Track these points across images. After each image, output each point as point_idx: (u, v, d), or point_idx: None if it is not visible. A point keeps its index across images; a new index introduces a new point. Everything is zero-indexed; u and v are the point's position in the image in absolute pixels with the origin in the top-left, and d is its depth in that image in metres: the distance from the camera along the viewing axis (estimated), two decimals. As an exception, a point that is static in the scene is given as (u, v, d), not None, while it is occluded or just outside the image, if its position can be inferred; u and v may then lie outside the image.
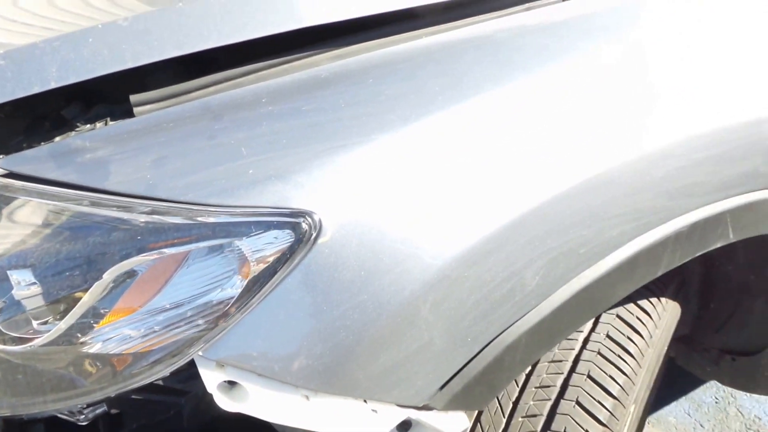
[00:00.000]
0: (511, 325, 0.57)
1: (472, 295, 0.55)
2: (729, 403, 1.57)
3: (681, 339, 1.27)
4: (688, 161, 0.61)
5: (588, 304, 0.61)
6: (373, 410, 0.56)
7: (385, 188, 0.55)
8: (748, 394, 1.59)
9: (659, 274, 0.65)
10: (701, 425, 1.52)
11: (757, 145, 0.65)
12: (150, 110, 0.60)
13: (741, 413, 1.54)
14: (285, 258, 0.53)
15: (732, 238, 0.69)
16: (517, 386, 0.73)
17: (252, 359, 0.54)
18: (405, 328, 0.54)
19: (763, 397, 1.57)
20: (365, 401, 0.56)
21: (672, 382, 1.61)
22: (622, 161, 0.59)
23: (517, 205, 0.57)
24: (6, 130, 0.71)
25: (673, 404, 1.57)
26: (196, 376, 0.56)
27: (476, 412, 0.71)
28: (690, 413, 1.56)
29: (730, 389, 1.60)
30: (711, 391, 1.60)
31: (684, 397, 1.59)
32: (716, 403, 1.58)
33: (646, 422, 1.52)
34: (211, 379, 0.54)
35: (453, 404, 0.58)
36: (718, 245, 0.69)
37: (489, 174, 0.57)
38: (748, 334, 1.13)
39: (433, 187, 0.56)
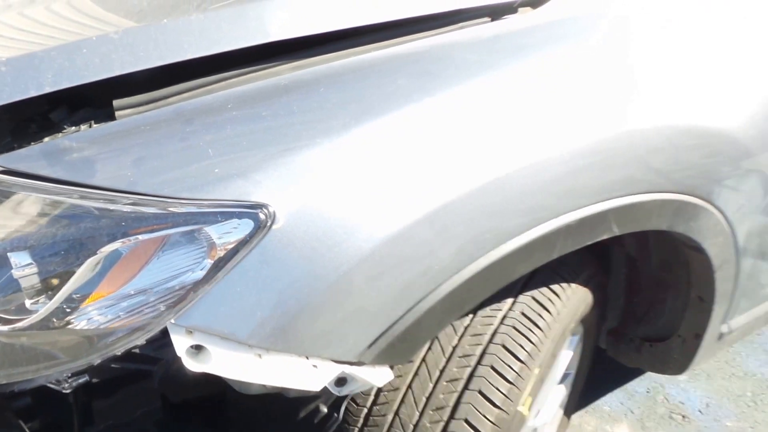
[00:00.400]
0: (428, 294, 0.71)
1: (396, 269, 0.69)
2: (658, 392, 1.73)
3: (610, 332, 1.42)
4: (572, 168, 0.76)
5: (493, 279, 0.75)
6: (314, 365, 0.69)
7: (327, 184, 0.68)
8: (674, 384, 1.75)
9: (555, 257, 0.79)
10: (632, 412, 1.67)
11: (630, 155, 0.80)
12: (130, 114, 0.72)
13: (667, 400, 1.70)
14: (245, 241, 0.66)
15: (616, 232, 0.84)
16: (444, 356, 0.87)
17: (215, 325, 0.66)
18: (342, 297, 0.68)
19: (685, 385, 1.74)
20: (307, 358, 0.68)
21: (607, 377, 1.76)
22: (518, 167, 0.73)
23: (434, 199, 0.70)
24: None
25: (608, 395, 1.73)
26: (168, 345, 0.67)
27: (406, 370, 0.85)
28: (623, 402, 1.71)
29: (659, 380, 1.76)
30: (643, 383, 1.76)
31: (618, 389, 1.74)
32: (647, 392, 1.73)
33: (584, 411, 1.68)
34: (181, 343, 0.66)
35: (379, 359, 0.71)
36: (605, 237, 0.83)
37: (411, 174, 0.71)
38: (662, 322, 1.28)
39: (366, 184, 0.69)
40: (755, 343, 1.88)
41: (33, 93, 0.72)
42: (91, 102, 0.78)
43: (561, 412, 1.36)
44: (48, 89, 0.72)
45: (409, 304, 0.70)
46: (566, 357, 1.19)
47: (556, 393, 1.29)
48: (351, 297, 0.68)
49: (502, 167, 0.73)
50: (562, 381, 1.30)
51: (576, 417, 1.65)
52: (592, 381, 1.74)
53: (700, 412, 1.67)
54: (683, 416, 1.66)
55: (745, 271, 1.15)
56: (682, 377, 1.77)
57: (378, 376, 0.72)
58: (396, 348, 0.71)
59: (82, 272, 0.66)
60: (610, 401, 1.71)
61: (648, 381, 1.76)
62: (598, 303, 1.13)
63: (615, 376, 1.76)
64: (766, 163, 1.00)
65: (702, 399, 1.70)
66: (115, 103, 0.73)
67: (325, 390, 0.73)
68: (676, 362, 1.30)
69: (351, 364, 0.70)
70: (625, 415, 1.67)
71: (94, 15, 0.91)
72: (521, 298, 0.91)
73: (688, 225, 0.93)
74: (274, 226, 0.66)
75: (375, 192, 0.69)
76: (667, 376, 1.76)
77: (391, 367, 0.73)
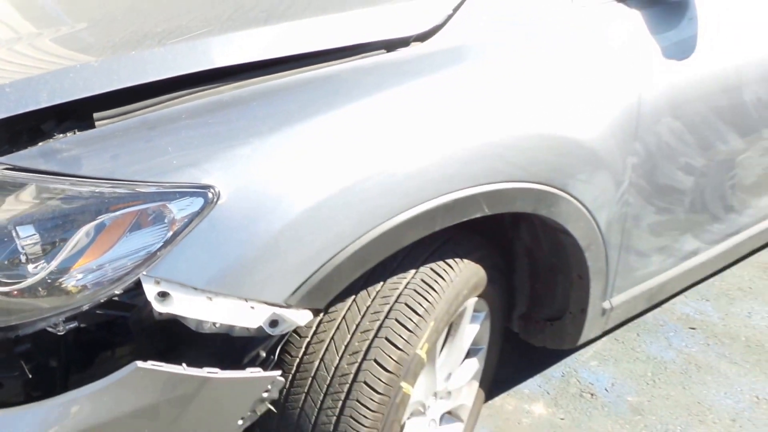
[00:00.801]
0: (337, 254, 0.94)
1: (313, 233, 0.93)
2: (571, 375, 1.98)
3: (520, 317, 1.67)
4: (446, 161, 1.02)
5: (387, 244, 0.99)
6: (251, 307, 0.92)
7: (259, 171, 0.92)
8: (586, 368, 2.00)
9: (437, 228, 1.04)
10: (548, 393, 1.92)
11: (493, 152, 1.06)
12: (107, 123, 0.95)
13: (579, 382, 1.95)
14: (197, 213, 0.89)
15: (487, 212, 1.09)
16: (359, 314, 1.11)
17: (176, 276, 0.89)
18: (271, 253, 0.91)
19: (595, 369, 1.99)
20: (246, 301, 0.92)
21: (527, 364, 2.01)
22: (403, 159, 0.99)
23: (338, 182, 0.95)
24: None
25: (528, 380, 1.96)
26: (140, 294, 0.90)
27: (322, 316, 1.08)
28: (540, 385, 1.95)
29: (573, 366, 2.01)
30: (559, 368, 2.01)
31: (537, 374, 1.98)
32: (562, 376, 1.98)
33: (506, 393, 1.91)
34: (150, 291, 0.89)
35: (301, 303, 0.94)
36: (478, 215, 1.09)
37: (321, 163, 0.95)
38: (557, 302, 1.54)
39: (288, 170, 0.93)
40: (658, 332, 2.15)
41: (32, 107, 0.96)
42: (74, 115, 1.01)
43: (476, 384, 1.59)
44: (44, 104, 0.96)
45: (323, 260, 0.94)
46: (472, 330, 1.43)
47: (469, 365, 1.52)
48: (278, 254, 0.92)
49: (391, 159, 0.99)
50: (474, 355, 1.54)
51: (498, 399, 1.89)
52: (514, 368, 1.99)
53: (606, 390, 1.92)
54: (592, 394, 1.91)
55: (614, 252, 1.42)
56: (593, 362, 2.03)
57: (301, 317, 0.95)
58: (314, 294, 0.95)
59: (76, 240, 0.89)
60: (529, 384, 1.95)
61: (563, 366, 2.01)
62: (495, 282, 1.37)
63: (534, 363, 2.01)
64: (613, 165, 1.28)
65: (609, 380, 1.96)
66: (95, 115, 0.96)
67: (263, 334, 0.97)
68: (570, 336, 1.55)
69: (280, 306, 0.94)
70: (541, 396, 1.91)
71: (76, 48, 1.15)
72: (422, 268, 1.16)
73: (550, 210, 1.20)
74: (219, 202, 0.90)
75: (294, 176, 0.93)
76: (580, 361, 2.03)
77: (312, 312, 0.97)
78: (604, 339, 2.12)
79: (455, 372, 1.44)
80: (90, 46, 1.13)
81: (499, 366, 1.92)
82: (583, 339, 1.57)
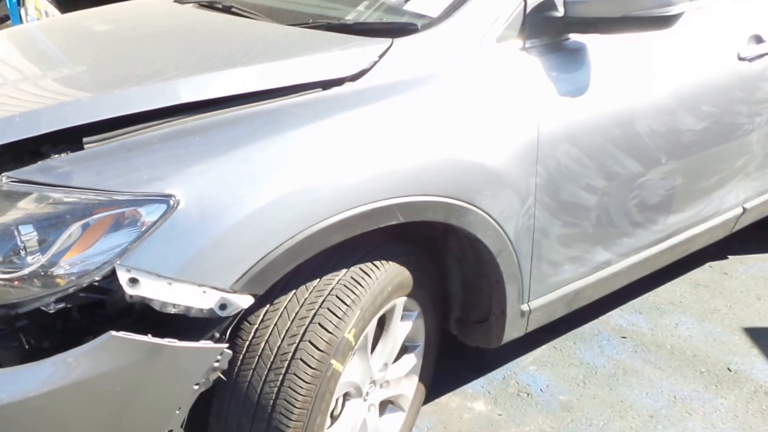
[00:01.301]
0: (273, 249, 1.19)
1: (253, 232, 1.17)
2: (511, 378, 2.20)
3: (457, 321, 1.90)
4: (364, 179, 1.27)
5: (315, 243, 1.23)
6: (203, 291, 1.16)
7: (210, 184, 1.17)
8: (525, 372, 2.23)
9: (358, 232, 1.28)
10: (489, 392, 2.14)
11: (407, 171, 1.32)
12: (93, 146, 1.21)
13: (518, 383, 2.18)
14: (161, 216, 1.14)
15: (402, 220, 1.34)
16: (298, 304, 1.34)
17: (144, 265, 1.13)
18: (219, 247, 1.15)
19: (533, 372, 2.21)
20: (200, 286, 1.16)
21: (472, 367, 2.23)
22: (326, 177, 1.24)
23: (274, 192, 1.20)
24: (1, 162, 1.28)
25: (472, 381, 2.18)
26: (116, 280, 1.13)
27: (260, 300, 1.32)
28: (483, 386, 2.17)
29: (513, 369, 2.24)
30: (501, 372, 2.23)
31: (481, 377, 2.21)
32: (503, 378, 2.20)
33: (451, 393, 2.13)
34: (123, 277, 1.13)
35: (245, 289, 1.18)
36: (393, 222, 1.34)
37: (261, 177, 1.20)
38: (484, 306, 1.78)
39: (234, 183, 1.18)
40: (593, 341, 2.38)
41: (33, 134, 1.22)
42: (67, 139, 1.26)
43: (416, 378, 1.81)
44: (44, 131, 1.21)
45: (261, 254, 1.18)
46: (404, 327, 1.67)
47: (407, 360, 1.75)
48: (225, 248, 1.16)
49: (319, 175, 1.24)
50: (412, 351, 1.77)
51: (444, 397, 2.11)
52: (459, 370, 2.22)
53: (541, 390, 2.15)
54: (528, 394, 2.13)
55: (526, 259, 1.67)
56: (532, 367, 2.25)
57: (244, 300, 1.19)
58: (254, 282, 1.18)
59: (66, 237, 1.14)
60: (472, 385, 2.17)
61: (504, 370, 2.24)
62: (423, 285, 1.61)
63: (478, 367, 2.23)
64: (517, 184, 1.53)
65: (544, 382, 2.18)
66: (85, 139, 1.22)
67: (214, 316, 1.20)
68: (496, 336, 1.79)
69: (227, 291, 1.18)
70: (483, 395, 2.13)
71: (74, 86, 1.42)
72: (353, 268, 1.40)
73: (460, 220, 1.45)
74: (178, 207, 1.15)
75: (239, 187, 1.18)
76: (520, 365, 2.25)
77: (253, 297, 1.21)
78: (543, 347, 2.36)
79: (392, 364, 1.67)
80: (85, 85, 1.39)
81: (446, 368, 2.15)
82: (506, 338, 1.80)
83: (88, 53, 1.67)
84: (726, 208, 2.23)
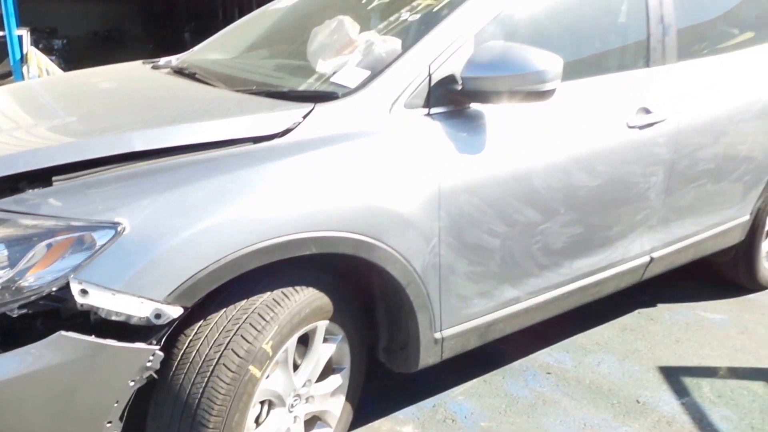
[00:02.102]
0: (200, 270, 1.44)
1: (183, 256, 1.43)
2: (440, 406, 2.40)
3: (384, 349, 2.13)
4: (280, 219, 1.54)
5: (236, 266, 1.49)
6: (141, 302, 1.41)
7: (152, 216, 1.44)
8: (454, 401, 2.43)
9: (275, 259, 1.54)
10: (418, 418, 2.34)
11: (318, 211, 1.59)
12: (61, 183, 1.48)
13: (445, 411, 2.38)
14: (110, 239, 1.40)
15: (314, 251, 1.60)
16: (226, 320, 1.59)
17: (93, 279, 1.38)
18: (156, 266, 1.41)
19: (461, 401, 2.42)
20: (138, 297, 1.41)
21: (404, 396, 2.44)
22: (244, 214, 1.51)
23: (199, 224, 1.46)
24: None
25: (404, 408, 2.38)
26: (69, 291, 1.38)
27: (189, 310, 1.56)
28: (413, 412, 2.37)
29: (443, 399, 2.44)
30: (432, 400, 2.44)
31: (412, 405, 2.40)
32: (433, 407, 2.41)
33: (384, 418, 2.34)
34: (75, 288, 1.38)
35: (176, 302, 1.43)
36: (307, 253, 1.59)
37: (193, 211, 1.47)
38: (403, 333, 2.01)
39: (171, 215, 1.45)
40: (520, 376, 2.59)
41: (12, 172, 1.49)
42: (40, 177, 1.53)
43: (343, 398, 2.02)
44: (20, 171, 1.49)
45: (191, 273, 1.44)
46: (328, 349, 1.90)
47: (333, 380, 1.97)
48: (160, 267, 1.41)
49: (242, 211, 1.51)
50: (338, 372, 1.99)
51: (376, 422, 2.31)
52: (392, 399, 2.43)
53: (465, 417, 2.35)
54: (453, 420, 2.34)
55: (435, 292, 1.92)
56: (460, 397, 2.45)
57: (175, 311, 1.44)
58: (184, 296, 1.43)
59: (31, 255, 1.40)
60: (404, 412, 2.37)
61: (435, 399, 2.44)
62: (344, 312, 1.85)
63: (410, 396, 2.44)
64: (422, 226, 1.79)
65: (470, 410, 2.39)
66: (54, 178, 1.49)
67: (151, 324, 1.44)
68: (413, 361, 2.01)
69: (161, 303, 1.43)
70: (412, 420, 2.34)
71: (46, 135, 1.71)
72: (275, 291, 1.65)
73: (369, 254, 1.71)
74: (124, 233, 1.41)
75: (174, 219, 1.45)
76: (450, 396, 2.45)
77: (183, 308, 1.46)
78: (474, 380, 2.57)
79: (316, 381, 1.89)
80: (58, 134, 1.69)
81: (380, 397, 2.37)
82: (422, 363, 2.02)
83: (68, 108, 1.98)
84: (632, 256, 2.48)
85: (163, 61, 2.76)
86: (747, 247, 3.09)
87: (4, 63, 6.91)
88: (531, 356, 2.74)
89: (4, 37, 6.52)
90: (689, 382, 2.57)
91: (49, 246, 1.40)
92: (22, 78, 6.49)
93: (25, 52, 6.69)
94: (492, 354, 2.71)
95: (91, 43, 19.12)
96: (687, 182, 2.52)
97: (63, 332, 1.36)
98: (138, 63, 2.79)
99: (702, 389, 2.53)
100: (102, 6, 24.60)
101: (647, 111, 2.29)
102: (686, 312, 3.14)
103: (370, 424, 2.30)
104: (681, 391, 2.51)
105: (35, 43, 7.55)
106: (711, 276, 3.37)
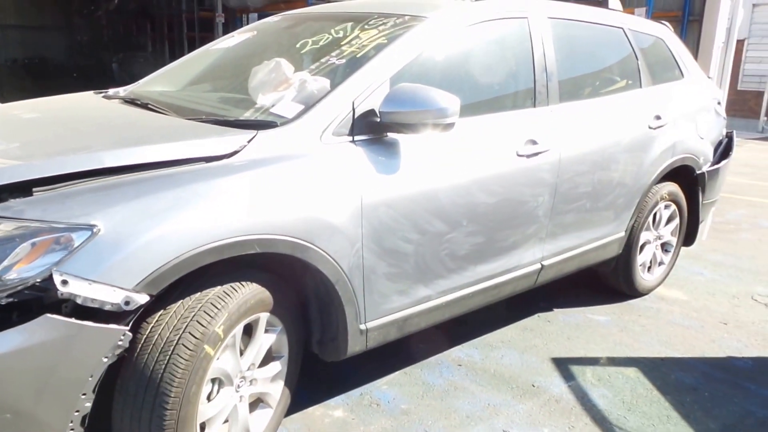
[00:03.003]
0: (163, 264, 1.69)
1: (149, 253, 1.69)
2: (366, 393, 2.68)
3: (318, 342, 2.40)
4: (228, 221, 1.82)
5: (193, 261, 1.75)
6: (114, 290, 1.65)
7: (122, 219, 1.69)
8: (379, 390, 2.72)
9: (225, 257, 1.82)
10: (347, 404, 2.60)
11: (261, 218, 1.88)
12: (40, 193, 1.71)
13: (371, 397, 2.66)
14: (86, 239, 1.64)
15: (258, 250, 1.88)
16: (183, 308, 1.84)
17: (72, 270, 1.61)
18: (126, 260, 1.65)
19: (385, 390, 2.71)
20: (111, 286, 1.65)
21: (334, 386, 2.71)
22: (204, 222, 1.79)
23: (165, 226, 1.72)
24: None
25: (335, 397, 2.65)
26: (52, 281, 1.61)
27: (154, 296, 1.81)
28: (343, 399, 2.63)
29: (369, 389, 2.72)
30: (359, 389, 2.71)
31: (342, 394, 2.68)
32: (360, 395, 2.68)
33: (318, 405, 2.60)
34: (57, 279, 1.61)
35: (143, 290, 1.67)
36: (251, 252, 1.88)
37: (153, 217, 1.73)
38: (333, 325, 2.29)
39: (139, 219, 1.71)
40: (435, 368, 2.90)
41: None
42: (20, 188, 1.75)
43: (282, 382, 2.28)
44: (5, 182, 1.71)
45: (155, 267, 1.69)
46: (269, 338, 2.16)
47: (274, 366, 2.23)
48: (130, 261, 1.66)
49: (196, 216, 1.78)
50: (278, 359, 2.25)
51: (310, 408, 2.57)
52: (324, 389, 2.69)
53: (388, 402, 2.64)
54: (377, 404, 2.62)
55: (359, 289, 2.22)
56: (384, 386, 2.75)
57: (142, 299, 1.68)
58: (150, 285, 1.68)
59: (17, 252, 1.62)
60: (335, 400, 2.64)
61: (362, 389, 2.72)
62: (283, 306, 2.13)
63: (341, 387, 2.72)
64: (346, 233, 2.10)
65: (392, 396, 2.68)
66: (34, 189, 1.72)
67: (122, 309, 1.68)
68: (342, 349, 2.29)
69: (130, 291, 1.67)
70: (342, 406, 2.60)
71: (23, 154, 1.93)
72: (225, 285, 1.91)
73: (304, 254, 2.00)
74: (99, 233, 1.66)
75: (141, 222, 1.70)
76: (375, 386, 2.74)
77: (149, 296, 1.70)
78: (396, 372, 2.87)
79: (259, 366, 2.15)
80: (34, 153, 1.91)
81: (313, 388, 2.63)
82: (350, 351, 2.30)
83: (35, 132, 2.22)
84: (525, 263, 2.87)
85: (111, 92, 3.00)
86: (625, 259, 3.55)
87: None
88: (445, 352, 3.07)
89: None
90: (576, 369, 2.96)
91: (33, 244, 1.62)
92: None
93: None
94: (411, 351, 3.03)
95: (10, 72, 18.55)
96: (569, 202, 2.94)
97: (48, 314, 1.58)
98: (90, 93, 3.01)
99: (585, 374, 2.92)
100: (22, 33, 23.84)
101: (534, 142, 2.70)
102: (577, 315, 3.56)
103: (305, 410, 2.56)
104: (568, 377, 2.89)
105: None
106: (598, 285, 3.82)
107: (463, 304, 2.68)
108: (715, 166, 3.86)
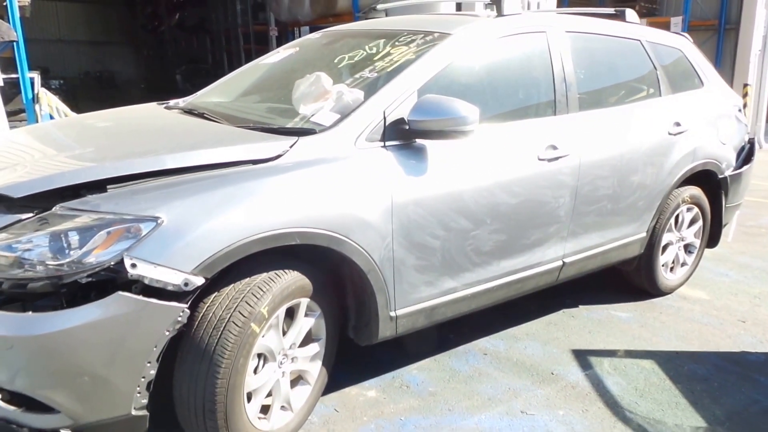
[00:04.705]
0: (219, 251, 1.88)
1: (205, 241, 1.88)
2: (398, 377, 2.82)
3: (353, 327, 2.56)
4: (275, 216, 2.00)
5: (242, 250, 1.93)
6: (175, 273, 1.84)
7: (183, 213, 1.89)
8: (409, 374, 2.86)
9: (269, 247, 1.99)
10: (380, 386, 2.76)
11: (302, 213, 2.06)
12: (114, 190, 1.92)
13: (402, 380, 2.80)
14: (152, 229, 1.85)
15: (299, 242, 2.06)
16: (235, 291, 2.03)
17: (140, 255, 1.81)
18: (186, 248, 1.85)
19: (415, 374, 2.85)
20: (173, 269, 1.84)
21: (369, 371, 2.86)
22: (253, 216, 1.98)
23: (218, 218, 1.92)
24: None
25: (370, 379, 2.80)
26: (123, 264, 1.82)
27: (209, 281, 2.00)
28: (377, 382, 2.79)
29: (401, 373, 2.86)
30: (391, 373, 2.86)
31: (376, 377, 2.83)
32: (392, 378, 2.83)
33: (353, 385, 2.75)
34: (127, 262, 1.81)
35: (199, 274, 1.86)
36: (291, 243, 2.05)
37: (209, 210, 1.92)
38: (366, 312, 2.45)
39: (197, 213, 1.90)
40: (462, 356, 3.02)
41: (77, 182, 1.92)
42: (97, 186, 1.96)
43: (320, 363, 2.45)
44: (82, 181, 1.92)
45: (210, 253, 1.88)
46: (308, 321, 2.33)
47: (313, 347, 2.40)
48: (189, 248, 1.85)
49: (246, 210, 1.96)
50: (315, 341, 2.42)
51: (346, 389, 2.73)
52: (360, 373, 2.85)
53: (417, 385, 2.77)
54: (407, 386, 2.76)
55: (390, 279, 2.37)
56: (414, 371, 2.88)
57: (199, 281, 1.88)
58: (205, 270, 1.87)
59: (95, 240, 1.83)
60: (369, 382, 2.79)
61: (394, 373, 2.87)
62: (321, 293, 2.30)
63: (374, 370, 2.86)
64: (378, 228, 2.25)
65: (421, 379, 2.81)
66: (108, 186, 1.93)
67: (181, 290, 1.88)
68: (374, 334, 2.45)
69: (189, 274, 1.87)
70: (375, 387, 2.75)
71: (97, 157, 2.16)
72: (270, 272, 2.10)
73: (339, 246, 2.17)
74: (162, 224, 1.86)
75: (199, 215, 1.90)
76: (406, 370, 2.88)
77: (205, 278, 1.90)
78: (426, 359, 3.00)
79: (300, 346, 2.32)
80: (107, 156, 2.14)
81: (350, 372, 2.79)
82: (381, 336, 2.45)
83: (106, 138, 2.46)
84: (548, 260, 2.96)
85: (172, 102, 3.24)
86: (647, 259, 3.59)
87: (16, 101, 7.39)
88: (472, 342, 3.18)
89: (17, 78, 7.03)
90: (594, 360, 3.03)
91: (108, 233, 1.84)
92: (35, 115, 6.96)
93: (36, 92, 7.20)
94: (441, 340, 3.16)
95: (83, 84, 19.49)
96: (590, 203, 3.02)
97: (120, 292, 1.79)
98: (153, 104, 3.27)
99: (603, 365, 2.99)
100: (92, 47, 25.25)
101: (554, 147, 2.81)
102: (600, 311, 3.61)
103: (341, 390, 2.72)
104: (586, 366, 2.96)
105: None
106: (622, 284, 3.86)
107: (488, 296, 2.79)
108: (738, 171, 3.86)
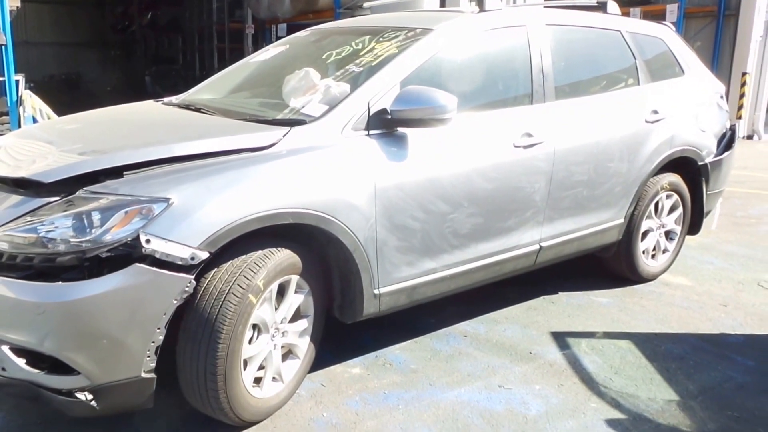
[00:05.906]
0: (219, 229, 2.47)
1: (209, 219, 2.47)
2: (381, 356, 3.44)
3: (338, 306, 3.17)
4: (269, 196, 2.60)
5: (241, 227, 2.53)
6: (183, 247, 2.43)
7: (190, 194, 2.48)
8: (391, 353, 3.47)
9: (265, 225, 2.59)
10: (364, 364, 3.37)
11: (295, 195, 2.66)
12: (129, 176, 2.51)
13: (385, 359, 3.42)
14: (163, 209, 2.44)
15: (291, 221, 2.66)
16: (233, 266, 2.62)
17: (153, 232, 2.40)
18: (193, 225, 2.44)
19: (398, 353, 3.47)
20: (182, 244, 2.43)
21: (354, 349, 3.48)
22: (249, 196, 2.58)
23: (220, 198, 2.51)
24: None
25: (354, 358, 3.42)
26: (138, 240, 2.40)
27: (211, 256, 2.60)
28: (361, 360, 3.41)
29: (384, 352, 3.48)
30: (374, 352, 3.48)
31: (361, 356, 3.45)
32: (375, 357, 3.44)
33: (338, 364, 3.36)
34: (142, 238, 2.40)
35: (205, 248, 2.46)
36: (285, 222, 2.65)
37: (212, 192, 2.52)
38: (351, 289, 3.06)
39: (202, 195, 2.49)
40: (443, 338, 3.65)
41: (98, 168, 2.52)
42: (113, 172, 2.55)
43: (308, 338, 3.05)
44: (103, 167, 2.52)
45: (214, 230, 2.47)
46: (297, 298, 2.94)
47: (302, 323, 3.00)
48: (196, 225, 2.45)
49: (244, 192, 2.56)
50: (304, 317, 3.03)
51: (332, 367, 3.34)
52: (345, 353, 3.46)
53: (399, 363, 3.40)
54: (390, 364, 3.38)
55: (373, 258, 2.99)
56: (397, 351, 3.50)
57: (204, 255, 2.47)
58: (210, 245, 2.46)
59: (113, 219, 2.42)
60: (354, 360, 3.41)
61: (377, 352, 3.49)
62: (310, 271, 2.90)
63: (358, 349, 3.48)
64: (363, 210, 2.87)
65: (403, 359, 3.44)
66: (125, 172, 2.52)
67: (188, 263, 2.47)
68: (359, 311, 3.06)
69: (195, 248, 2.46)
70: (359, 365, 3.37)
71: (112, 147, 2.74)
72: (265, 249, 2.70)
73: (327, 225, 2.77)
74: (172, 205, 2.45)
75: (203, 197, 2.49)
76: (389, 350, 3.50)
77: (210, 253, 2.49)
78: (408, 341, 3.63)
79: (290, 321, 2.92)
80: (121, 146, 2.72)
81: (335, 351, 3.40)
82: (365, 313, 3.07)
83: (114, 132, 3.04)
84: (525, 244, 3.60)
85: (166, 100, 3.84)
86: (626, 245, 4.25)
87: (1, 102, 7.99)
88: (453, 326, 3.82)
89: (3, 82, 7.63)
90: (571, 341, 3.68)
91: (125, 213, 2.42)
92: (18, 118, 7.56)
93: (20, 94, 7.79)
94: (423, 324, 3.78)
95: (49, 86, 20.16)
96: (565, 189, 3.67)
97: (137, 264, 2.38)
98: (150, 101, 3.86)
99: (580, 345, 3.63)
100: (58, 50, 26.12)
101: (530, 135, 3.45)
102: (581, 297, 4.27)
103: (328, 368, 3.33)
104: (564, 346, 3.61)
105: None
106: (603, 272, 4.52)
107: (467, 277, 3.42)
108: (718, 158, 4.54)
